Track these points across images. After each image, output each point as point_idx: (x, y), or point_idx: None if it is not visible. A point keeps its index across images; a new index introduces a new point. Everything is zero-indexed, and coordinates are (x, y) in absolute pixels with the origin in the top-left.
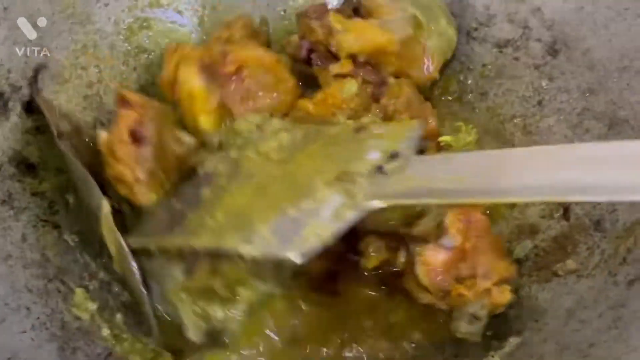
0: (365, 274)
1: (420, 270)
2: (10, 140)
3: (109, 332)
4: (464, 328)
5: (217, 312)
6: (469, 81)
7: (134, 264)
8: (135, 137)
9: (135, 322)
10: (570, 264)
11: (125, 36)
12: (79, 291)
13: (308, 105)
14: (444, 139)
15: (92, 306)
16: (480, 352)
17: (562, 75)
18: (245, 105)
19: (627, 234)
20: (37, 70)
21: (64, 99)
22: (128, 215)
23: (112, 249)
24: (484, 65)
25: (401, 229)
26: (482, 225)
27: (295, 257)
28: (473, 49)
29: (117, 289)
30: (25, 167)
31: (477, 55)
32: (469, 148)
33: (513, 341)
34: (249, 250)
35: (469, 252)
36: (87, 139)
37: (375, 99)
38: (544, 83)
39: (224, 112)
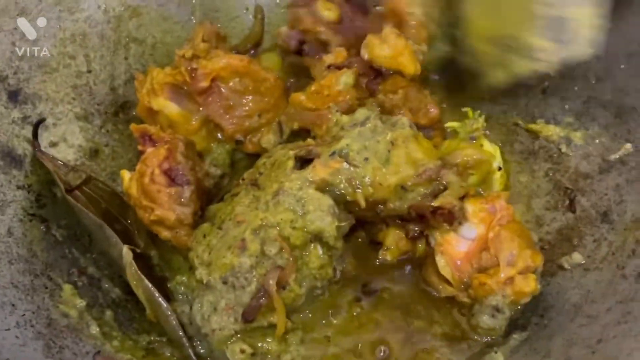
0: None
1: (440, 261)
2: None
3: (98, 329)
4: (485, 323)
5: (271, 345)
6: None
7: (169, 310)
8: (171, 177)
9: (125, 319)
10: (577, 256)
11: (115, 25)
12: (67, 287)
13: (301, 97)
14: (451, 124)
15: (81, 303)
16: (483, 348)
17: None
18: (231, 115)
19: (636, 226)
20: (37, 125)
21: (51, 89)
22: (155, 259)
23: (142, 297)
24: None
25: (425, 202)
26: (506, 213)
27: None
28: None
29: (107, 286)
30: (11, 159)
31: None
32: (476, 134)
33: (517, 337)
34: (537, 66)
35: (492, 241)
36: (101, 186)
37: (371, 92)
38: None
39: (211, 128)
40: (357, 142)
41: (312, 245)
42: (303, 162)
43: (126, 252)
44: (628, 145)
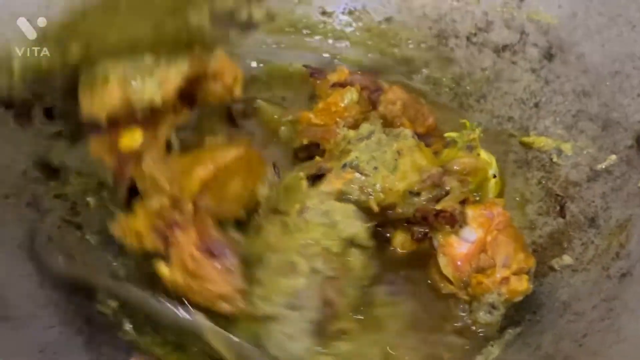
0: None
1: (442, 261)
2: (34, 146)
3: (131, 326)
4: (483, 319)
5: (345, 346)
6: (468, 85)
7: (257, 352)
8: (211, 252)
9: None
10: (566, 258)
11: None
12: None
13: (310, 116)
14: (449, 134)
15: (115, 302)
16: (480, 342)
17: (558, 79)
18: (226, 209)
19: (620, 230)
20: (33, 234)
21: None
22: None
23: (227, 353)
24: (483, 70)
25: (428, 206)
26: (503, 218)
27: None
28: (472, 54)
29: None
30: (49, 170)
31: (477, 60)
32: (473, 144)
33: (512, 332)
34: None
35: (489, 244)
36: None
37: (374, 105)
38: (540, 86)
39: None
40: (365, 153)
41: (350, 250)
42: (314, 179)
43: (201, 317)
44: (613, 157)
